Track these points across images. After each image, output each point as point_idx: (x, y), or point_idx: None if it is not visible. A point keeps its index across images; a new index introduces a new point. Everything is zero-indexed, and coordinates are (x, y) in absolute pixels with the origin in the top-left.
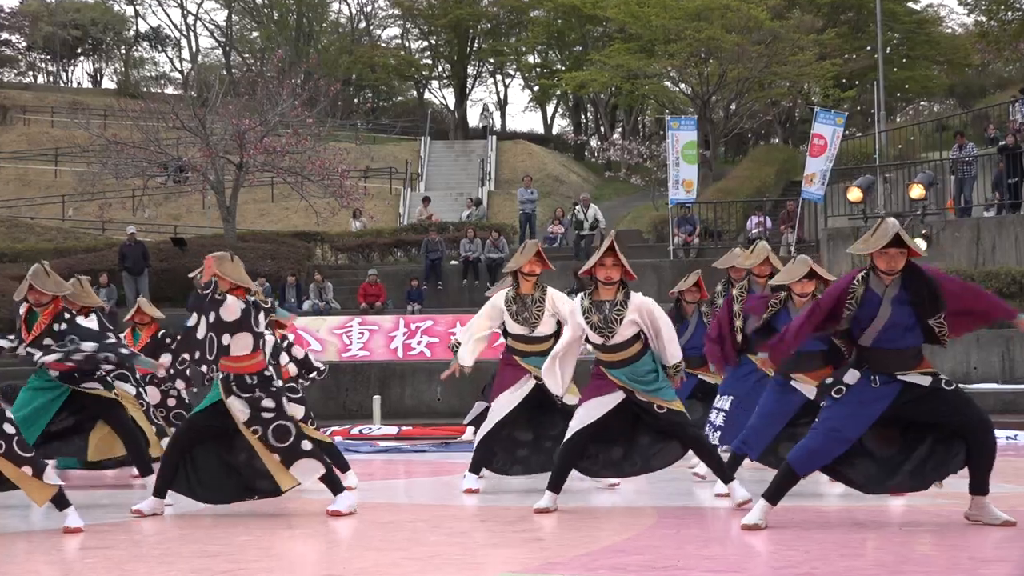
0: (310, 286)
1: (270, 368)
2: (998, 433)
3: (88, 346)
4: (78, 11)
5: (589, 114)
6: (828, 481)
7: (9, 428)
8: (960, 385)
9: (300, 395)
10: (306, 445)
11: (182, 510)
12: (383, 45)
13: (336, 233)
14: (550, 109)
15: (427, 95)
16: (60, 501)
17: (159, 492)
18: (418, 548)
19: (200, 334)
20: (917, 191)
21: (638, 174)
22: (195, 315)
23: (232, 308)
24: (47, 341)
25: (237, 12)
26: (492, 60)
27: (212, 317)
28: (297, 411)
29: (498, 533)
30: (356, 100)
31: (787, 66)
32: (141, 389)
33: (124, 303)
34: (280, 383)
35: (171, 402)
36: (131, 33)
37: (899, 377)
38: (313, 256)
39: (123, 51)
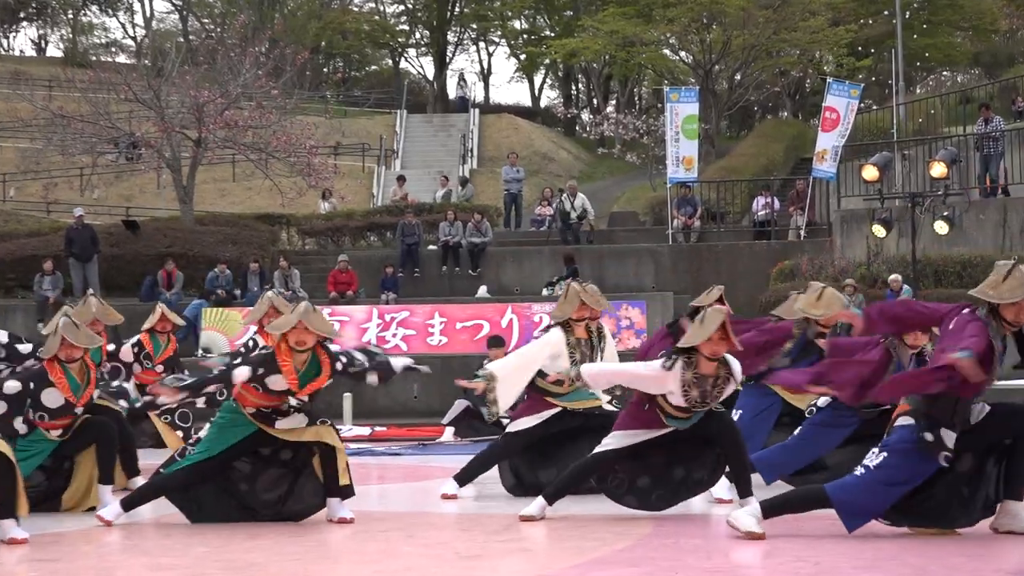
0: (275, 273)
1: None
2: None
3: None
4: None
5: (580, 85)
6: None
7: None
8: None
9: None
10: None
11: (135, 518)
12: (355, 9)
13: (303, 215)
14: (538, 80)
15: (403, 64)
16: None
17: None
18: (392, 561)
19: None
20: (938, 169)
21: (634, 151)
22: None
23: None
24: None
25: None
26: (475, 26)
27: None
28: None
29: (480, 543)
30: (326, 70)
31: (797, 32)
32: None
33: (71, 292)
34: None
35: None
36: None
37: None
38: (278, 241)
39: (70, 16)
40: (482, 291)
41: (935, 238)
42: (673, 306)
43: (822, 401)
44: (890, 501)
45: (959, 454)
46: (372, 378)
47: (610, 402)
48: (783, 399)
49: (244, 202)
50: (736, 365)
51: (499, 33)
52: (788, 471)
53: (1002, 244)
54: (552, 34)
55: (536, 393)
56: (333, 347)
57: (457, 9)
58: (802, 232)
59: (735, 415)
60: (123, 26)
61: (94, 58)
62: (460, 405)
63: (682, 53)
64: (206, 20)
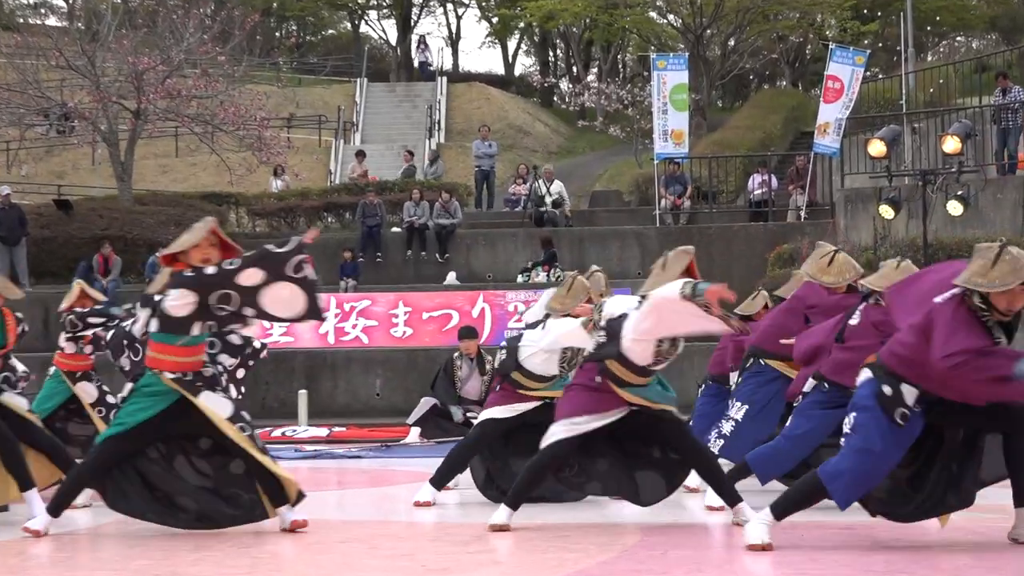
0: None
1: None
2: None
3: None
4: None
5: (559, 52)
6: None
7: None
8: None
9: None
10: None
11: (69, 527)
12: None
13: (254, 194)
14: (512, 46)
15: (363, 28)
16: None
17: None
18: (352, 574)
19: None
20: (951, 144)
21: (617, 124)
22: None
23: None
24: None
25: None
26: None
27: None
28: None
29: (450, 555)
30: (278, 34)
31: None
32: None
33: None
34: None
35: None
36: None
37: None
38: (226, 222)
39: None
40: (451, 278)
41: (948, 219)
42: None
43: (808, 386)
44: (878, 471)
45: (945, 429)
46: None
47: None
48: (788, 377)
49: (188, 180)
50: None
51: None
52: (788, 467)
53: (1021, 226)
54: None
55: (509, 385)
56: None
57: None
58: (802, 213)
59: (740, 410)
60: None
61: (21, 20)
62: (426, 403)
63: (670, 16)
64: None
